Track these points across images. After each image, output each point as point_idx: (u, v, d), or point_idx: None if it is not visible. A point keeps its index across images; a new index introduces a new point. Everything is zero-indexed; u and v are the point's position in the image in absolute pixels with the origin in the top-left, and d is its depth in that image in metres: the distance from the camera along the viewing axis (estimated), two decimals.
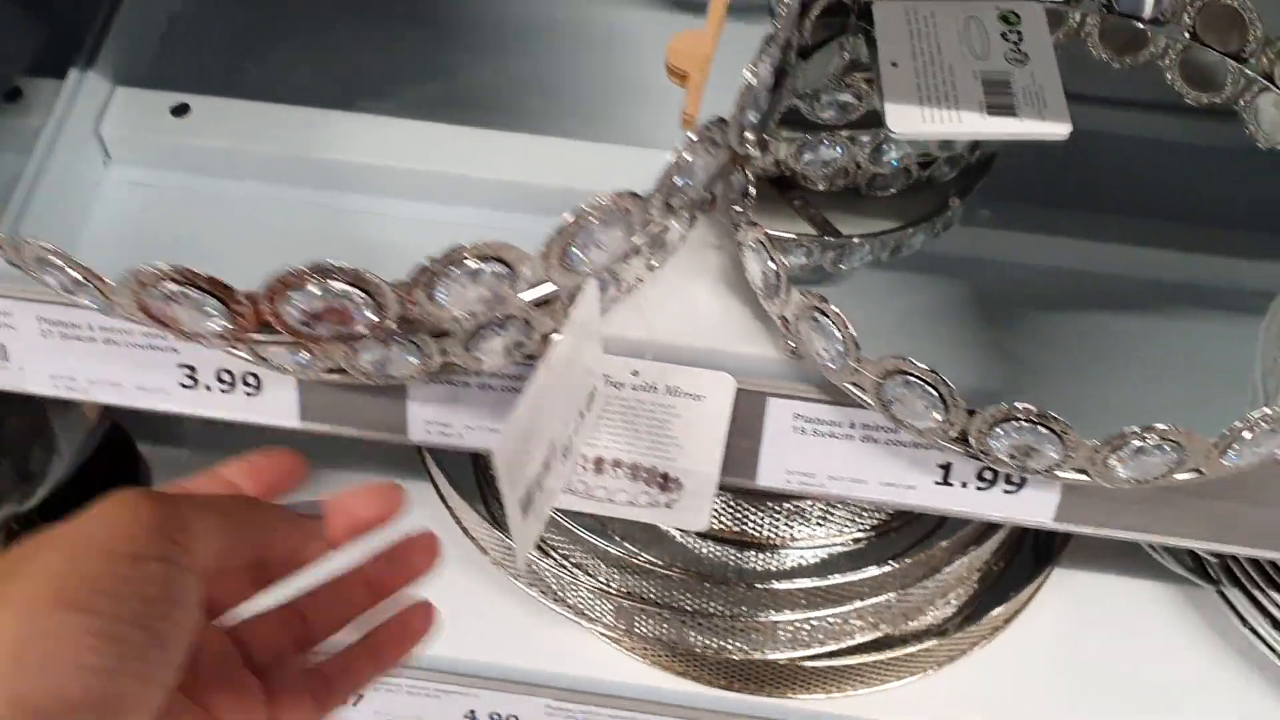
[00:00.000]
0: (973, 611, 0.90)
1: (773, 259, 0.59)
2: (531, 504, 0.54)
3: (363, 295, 0.47)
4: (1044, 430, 0.54)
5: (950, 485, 0.62)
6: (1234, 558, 0.88)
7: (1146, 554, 0.92)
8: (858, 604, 0.83)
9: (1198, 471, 0.57)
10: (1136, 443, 0.54)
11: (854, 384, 0.58)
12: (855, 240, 0.71)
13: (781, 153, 0.69)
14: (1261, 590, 0.87)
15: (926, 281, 0.73)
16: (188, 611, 0.42)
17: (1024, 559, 0.95)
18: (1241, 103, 0.71)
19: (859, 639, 0.86)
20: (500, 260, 0.48)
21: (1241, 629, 0.89)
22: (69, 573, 0.40)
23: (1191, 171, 0.82)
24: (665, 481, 0.65)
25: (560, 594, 0.88)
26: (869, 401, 0.58)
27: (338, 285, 0.46)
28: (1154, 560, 0.92)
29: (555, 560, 0.88)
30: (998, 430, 0.55)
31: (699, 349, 0.62)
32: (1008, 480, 0.62)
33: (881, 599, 0.83)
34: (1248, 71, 0.71)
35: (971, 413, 0.55)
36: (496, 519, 0.89)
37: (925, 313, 0.73)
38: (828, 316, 0.57)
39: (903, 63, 0.67)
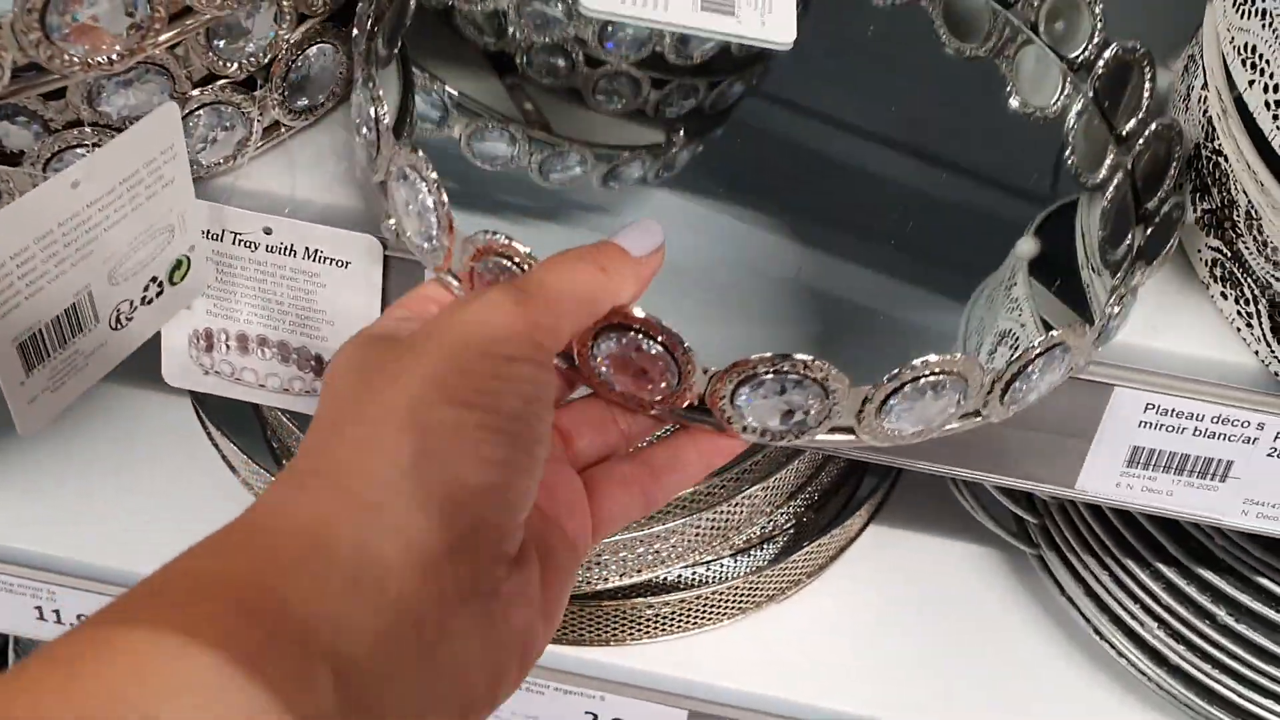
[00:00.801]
0: (768, 562, 0.82)
1: (374, 98, 0.48)
2: (46, 360, 0.47)
3: None
4: (659, 348, 0.44)
5: None
6: (1054, 522, 0.80)
7: (969, 515, 0.84)
8: (632, 534, 0.76)
9: (849, 432, 0.46)
10: (766, 374, 0.44)
11: (449, 271, 0.47)
12: (565, 146, 0.63)
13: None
14: (1078, 556, 0.78)
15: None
16: (551, 411, 0.42)
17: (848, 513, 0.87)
18: (1003, 56, 0.62)
19: (619, 581, 0.78)
20: None
21: (1059, 598, 0.81)
22: (452, 371, 0.40)
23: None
24: (319, 365, 0.58)
25: None
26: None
27: None
28: (976, 522, 0.84)
29: None
30: (601, 342, 0.45)
31: (349, 209, 0.55)
32: None
33: (654, 530, 0.76)
34: (1013, 19, 0.62)
35: None
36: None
37: None
38: (421, 177, 0.46)
39: None
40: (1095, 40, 0.59)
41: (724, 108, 0.67)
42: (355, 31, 0.51)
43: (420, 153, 0.45)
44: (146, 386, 0.87)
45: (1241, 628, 0.71)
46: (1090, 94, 0.59)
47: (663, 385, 0.45)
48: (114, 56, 0.44)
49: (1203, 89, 0.53)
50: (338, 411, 0.41)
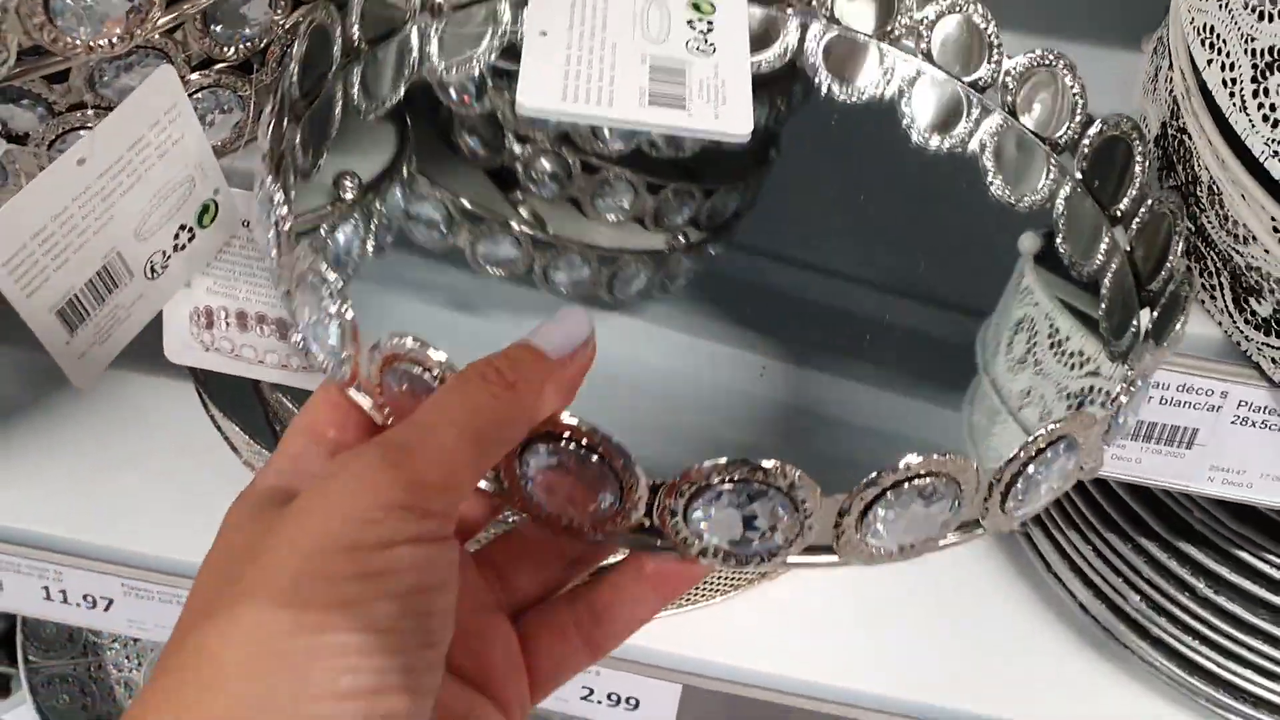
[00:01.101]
0: None
1: (270, 199, 0.44)
2: (88, 319, 0.49)
3: None
4: (595, 458, 0.38)
5: None
6: None
7: None
8: None
9: (828, 552, 0.41)
10: (723, 485, 0.38)
11: (358, 387, 0.41)
12: (567, 247, 0.61)
13: (500, 104, 0.59)
14: (1062, 532, 0.80)
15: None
16: (451, 589, 0.35)
17: None
18: (981, 142, 0.61)
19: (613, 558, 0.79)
20: None
21: (1045, 574, 0.82)
22: (308, 581, 0.33)
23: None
24: None
25: None
26: (374, 416, 0.42)
27: None
28: None
29: None
30: (528, 456, 0.39)
31: None
32: None
33: None
34: (987, 103, 0.61)
35: None
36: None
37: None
38: (323, 280, 0.40)
39: (555, 33, 0.57)
40: (1078, 118, 0.57)
41: (721, 221, 0.64)
42: (260, 132, 0.47)
43: (321, 255, 0.40)
44: (150, 369, 0.89)
45: (1220, 599, 0.73)
46: (1078, 175, 0.57)
47: (602, 504, 0.39)
48: (114, 40, 0.46)
49: (1169, 69, 0.55)
50: (190, 620, 0.35)
